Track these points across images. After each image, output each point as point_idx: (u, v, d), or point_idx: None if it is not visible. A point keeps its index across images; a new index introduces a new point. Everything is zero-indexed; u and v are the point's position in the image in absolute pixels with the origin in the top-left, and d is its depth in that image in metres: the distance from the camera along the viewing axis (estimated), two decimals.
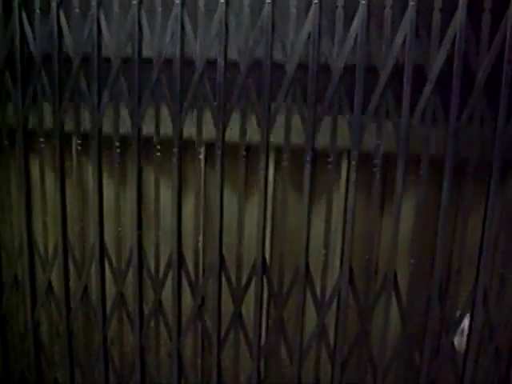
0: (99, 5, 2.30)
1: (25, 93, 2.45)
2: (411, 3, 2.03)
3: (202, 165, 2.43)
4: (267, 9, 2.14)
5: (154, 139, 2.38)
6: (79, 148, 2.48)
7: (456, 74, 2.04)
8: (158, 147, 2.39)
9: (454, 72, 2.04)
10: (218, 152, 2.28)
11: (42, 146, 2.53)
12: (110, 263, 2.54)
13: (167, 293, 2.47)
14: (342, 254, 2.27)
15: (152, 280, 2.49)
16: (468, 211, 2.17)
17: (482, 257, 2.15)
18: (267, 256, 2.42)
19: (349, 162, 2.22)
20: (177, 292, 2.45)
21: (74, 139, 2.50)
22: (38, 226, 2.63)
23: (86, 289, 2.59)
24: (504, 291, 2.22)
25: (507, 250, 2.21)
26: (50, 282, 2.63)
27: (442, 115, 2.09)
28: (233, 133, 2.29)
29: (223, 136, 2.27)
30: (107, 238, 2.52)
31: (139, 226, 2.45)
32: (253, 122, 2.26)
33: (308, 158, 2.20)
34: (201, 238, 2.46)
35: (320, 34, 2.12)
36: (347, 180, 2.25)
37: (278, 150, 2.34)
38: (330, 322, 2.38)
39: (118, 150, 2.42)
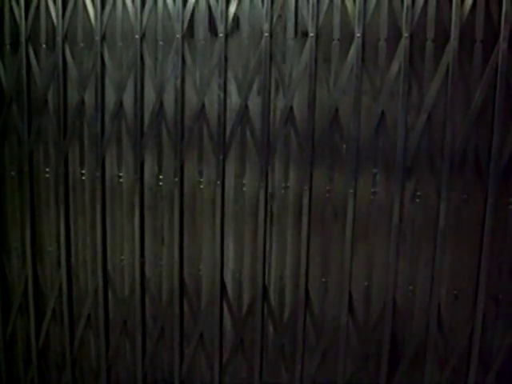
0: (102, 40, 2.38)
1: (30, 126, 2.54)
2: (405, 35, 2.08)
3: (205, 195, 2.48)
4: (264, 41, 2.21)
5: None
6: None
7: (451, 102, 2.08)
8: (161, 177, 2.45)
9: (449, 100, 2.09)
10: (218, 182, 2.34)
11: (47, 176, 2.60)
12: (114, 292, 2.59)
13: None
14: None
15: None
16: None
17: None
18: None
19: None
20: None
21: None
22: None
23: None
24: None
25: None
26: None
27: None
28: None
29: (223, 170, 2.34)
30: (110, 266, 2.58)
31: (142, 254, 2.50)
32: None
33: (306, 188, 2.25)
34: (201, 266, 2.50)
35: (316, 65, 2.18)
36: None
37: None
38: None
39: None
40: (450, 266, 2.21)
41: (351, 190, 2.20)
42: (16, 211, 2.68)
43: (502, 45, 2.01)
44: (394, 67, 2.11)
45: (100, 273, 2.55)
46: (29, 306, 2.69)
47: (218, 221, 2.37)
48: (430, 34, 2.10)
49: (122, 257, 2.56)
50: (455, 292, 2.24)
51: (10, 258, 2.73)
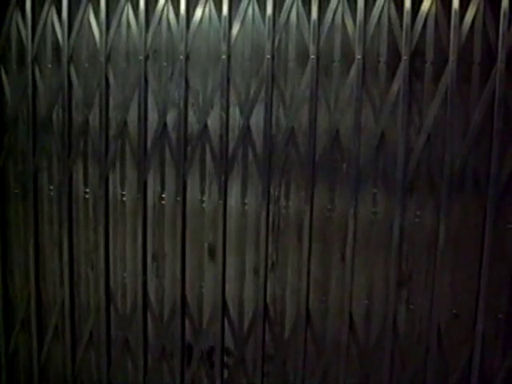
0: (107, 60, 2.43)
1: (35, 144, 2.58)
2: (404, 57, 2.13)
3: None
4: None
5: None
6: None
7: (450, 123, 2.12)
8: (163, 195, 2.48)
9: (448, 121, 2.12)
10: (221, 202, 2.37)
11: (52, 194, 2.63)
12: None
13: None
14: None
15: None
16: None
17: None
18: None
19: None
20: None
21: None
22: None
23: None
24: None
25: None
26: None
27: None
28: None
29: (225, 191, 2.38)
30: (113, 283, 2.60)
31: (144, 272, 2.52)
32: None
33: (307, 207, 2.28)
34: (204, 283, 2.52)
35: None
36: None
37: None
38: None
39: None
40: (450, 285, 2.23)
41: (352, 210, 2.23)
42: (20, 228, 2.71)
43: (500, 66, 2.05)
44: (394, 89, 2.15)
45: (102, 290, 2.57)
46: (31, 322, 2.70)
47: (220, 239, 2.40)
48: (429, 57, 2.14)
49: (125, 274, 2.59)
50: (454, 311, 2.25)
51: (13, 274, 2.76)
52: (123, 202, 2.53)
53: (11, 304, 2.76)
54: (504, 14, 2.02)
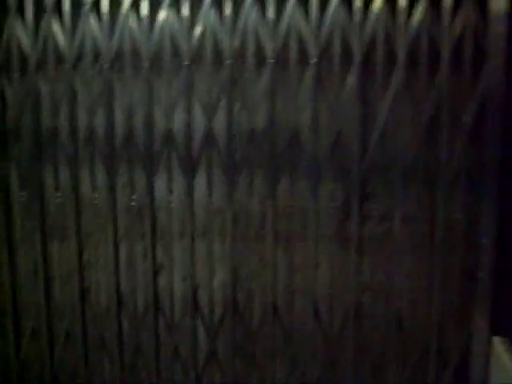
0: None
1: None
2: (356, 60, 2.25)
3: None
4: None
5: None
6: None
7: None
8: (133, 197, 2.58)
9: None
10: (188, 200, 2.48)
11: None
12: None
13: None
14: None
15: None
16: None
17: None
18: None
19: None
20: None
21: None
22: None
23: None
24: None
25: None
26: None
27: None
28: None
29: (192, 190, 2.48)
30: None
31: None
32: None
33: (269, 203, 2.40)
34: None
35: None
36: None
37: None
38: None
39: None
40: (407, 273, 2.36)
41: (311, 205, 2.36)
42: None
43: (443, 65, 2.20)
44: (348, 88, 2.28)
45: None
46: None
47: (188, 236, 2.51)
48: (380, 59, 2.27)
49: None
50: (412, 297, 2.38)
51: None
52: (94, 204, 2.61)
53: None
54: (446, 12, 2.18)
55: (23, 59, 2.57)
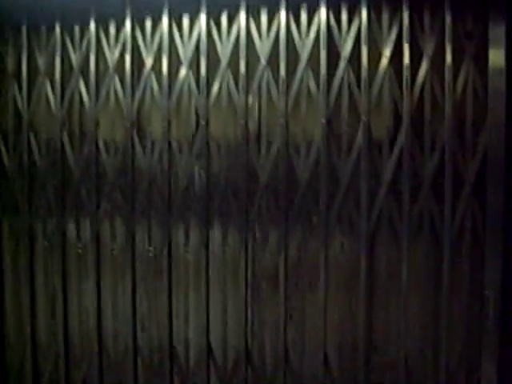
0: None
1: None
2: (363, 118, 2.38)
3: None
4: None
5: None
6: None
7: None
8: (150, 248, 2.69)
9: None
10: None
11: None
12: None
13: None
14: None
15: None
16: None
17: None
18: None
19: None
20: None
21: None
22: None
23: None
24: None
25: None
26: None
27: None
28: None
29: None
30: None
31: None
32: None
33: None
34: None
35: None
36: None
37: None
38: None
39: None
40: (414, 322, 2.42)
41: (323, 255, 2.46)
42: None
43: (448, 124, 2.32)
44: (356, 147, 2.41)
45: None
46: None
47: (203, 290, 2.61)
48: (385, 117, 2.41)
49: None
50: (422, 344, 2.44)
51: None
52: (112, 255, 2.73)
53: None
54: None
55: (49, 117, 2.75)
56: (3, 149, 2.84)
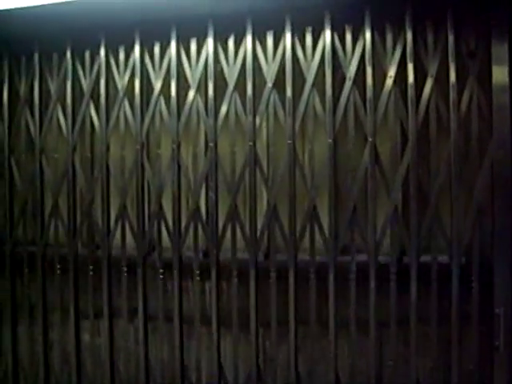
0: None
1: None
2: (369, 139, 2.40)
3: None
4: None
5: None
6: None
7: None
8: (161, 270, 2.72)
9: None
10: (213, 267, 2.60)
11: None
12: None
13: None
14: None
15: None
16: None
17: None
18: None
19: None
20: None
21: None
22: None
23: None
24: None
25: None
26: None
27: None
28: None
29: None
30: None
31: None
32: None
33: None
34: None
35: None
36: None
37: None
38: None
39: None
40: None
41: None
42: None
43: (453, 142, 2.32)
44: (363, 166, 2.42)
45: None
46: None
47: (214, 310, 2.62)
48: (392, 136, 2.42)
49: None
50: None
51: None
52: (124, 276, 2.76)
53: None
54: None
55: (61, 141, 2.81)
56: (16, 174, 2.89)
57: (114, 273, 2.76)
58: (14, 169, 2.90)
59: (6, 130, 2.92)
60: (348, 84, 2.44)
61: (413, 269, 2.37)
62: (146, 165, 2.69)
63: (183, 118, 2.64)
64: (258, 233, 2.55)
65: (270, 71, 2.53)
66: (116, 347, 2.80)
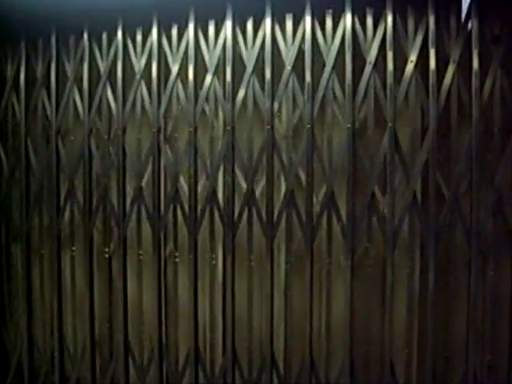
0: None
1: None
2: (389, 124, 2.37)
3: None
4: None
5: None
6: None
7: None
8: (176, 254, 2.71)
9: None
10: (229, 256, 2.59)
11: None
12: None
13: None
14: None
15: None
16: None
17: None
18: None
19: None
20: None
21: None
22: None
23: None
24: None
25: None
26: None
27: None
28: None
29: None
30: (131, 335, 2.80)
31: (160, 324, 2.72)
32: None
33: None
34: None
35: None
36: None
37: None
38: None
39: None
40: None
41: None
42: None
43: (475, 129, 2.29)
44: (382, 151, 2.39)
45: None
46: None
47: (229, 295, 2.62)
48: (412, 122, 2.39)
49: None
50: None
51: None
52: (140, 260, 2.77)
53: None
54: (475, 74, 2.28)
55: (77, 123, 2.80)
56: (32, 156, 2.89)
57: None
58: (31, 151, 2.89)
59: (23, 112, 2.90)
60: (368, 68, 2.40)
61: (431, 257, 2.35)
62: (163, 148, 2.67)
63: (200, 102, 2.62)
64: (275, 218, 2.53)
65: (288, 55, 2.50)
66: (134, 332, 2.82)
